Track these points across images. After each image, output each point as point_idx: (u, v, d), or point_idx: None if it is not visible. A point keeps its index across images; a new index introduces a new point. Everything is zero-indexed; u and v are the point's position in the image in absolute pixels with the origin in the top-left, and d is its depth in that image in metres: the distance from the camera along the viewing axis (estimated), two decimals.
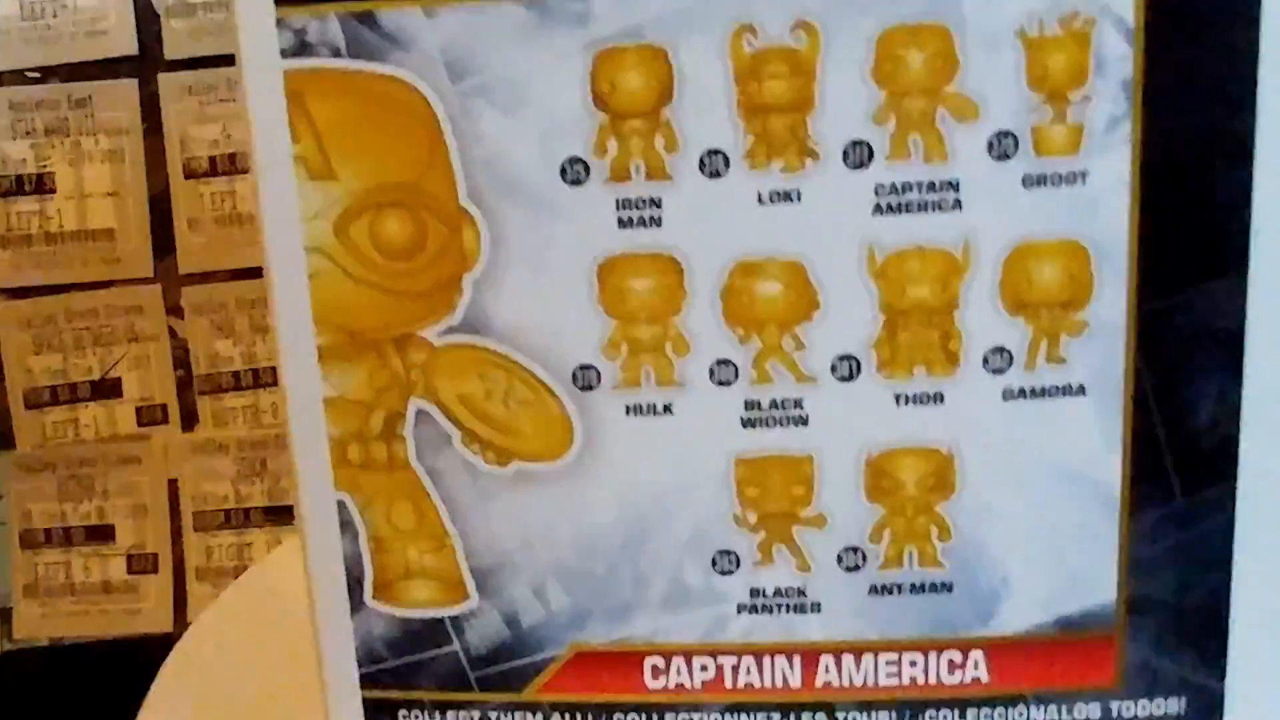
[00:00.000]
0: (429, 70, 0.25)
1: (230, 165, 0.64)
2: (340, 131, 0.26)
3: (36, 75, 0.63)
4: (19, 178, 0.64)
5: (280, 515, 0.67)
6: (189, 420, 0.66)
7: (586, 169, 0.25)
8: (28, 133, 0.63)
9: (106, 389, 0.66)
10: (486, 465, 0.27)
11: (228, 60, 0.65)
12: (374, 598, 0.29)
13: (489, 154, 0.25)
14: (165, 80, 0.63)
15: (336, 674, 0.29)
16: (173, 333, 0.66)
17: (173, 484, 0.66)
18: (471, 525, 0.28)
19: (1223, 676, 0.27)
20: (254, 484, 0.67)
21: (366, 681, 0.29)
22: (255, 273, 0.67)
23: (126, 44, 0.62)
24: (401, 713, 0.29)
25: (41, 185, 0.64)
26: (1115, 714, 0.27)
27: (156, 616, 0.67)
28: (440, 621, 0.28)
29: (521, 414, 0.27)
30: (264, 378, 0.66)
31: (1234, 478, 0.26)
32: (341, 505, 0.28)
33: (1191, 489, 0.26)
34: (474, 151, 0.25)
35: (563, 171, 0.25)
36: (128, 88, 0.63)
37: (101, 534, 0.66)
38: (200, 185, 0.64)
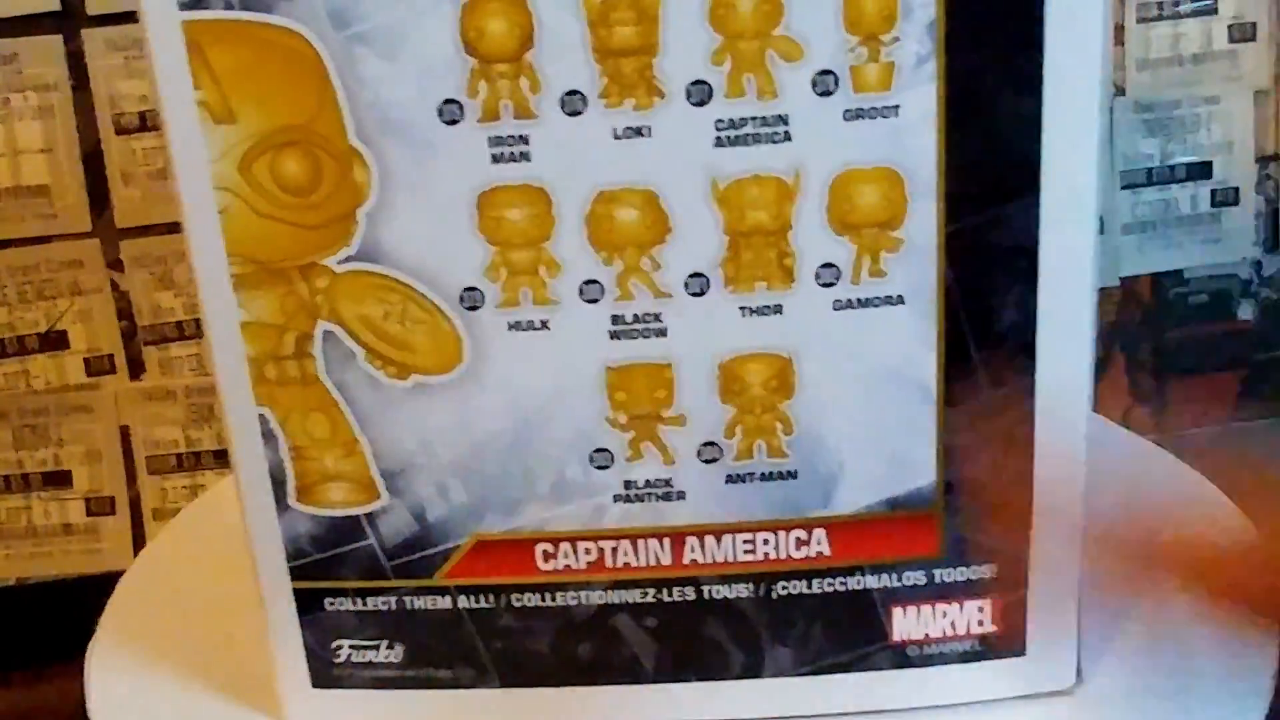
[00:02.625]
0: (314, 19, 0.28)
1: (160, 119, 0.66)
2: (238, 78, 0.28)
3: None
4: None
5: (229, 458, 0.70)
6: (136, 369, 0.68)
7: (461, 109, 0.28)
8: None
9: (54, 341, 0.68)
10: (388, 379, 0.31)
11: None
12: (297, 500, 0.32)
13: (373, 97, 0.28)
14: (89, 35, 0.64)
15: (269, 570, 0.32)
16: (114, 285, 0.68)
17: (124, 430, 0.69)
18: (378, 432, 0.31)
19: (1028, 545, 0.31)
20: (203, 429, 0.69)
21: (295, 574, 0.32)
22: None
23: None
24: (327, 600, 0.33)
25: None
26: (938, 579, 0.32)
27: (117, 555, 0.70)
28: (356, 519, 0.32)
29: (416, 332, 0.30)
30: None
31: (1033, 373, 0.30)
32: (262, 419, 0.31)
33: (997, 384, 0.30)
34: (359, 94, 0.28)
35: (439, 112, 0.28)
36: (53, 44, 0.64)
37: (59, 479, 0.69)
38: (132, 140, 0.66)
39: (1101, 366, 0.75)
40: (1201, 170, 0.71)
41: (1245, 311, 0.73)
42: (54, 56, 0.64)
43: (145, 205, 0.66)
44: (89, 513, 0.69)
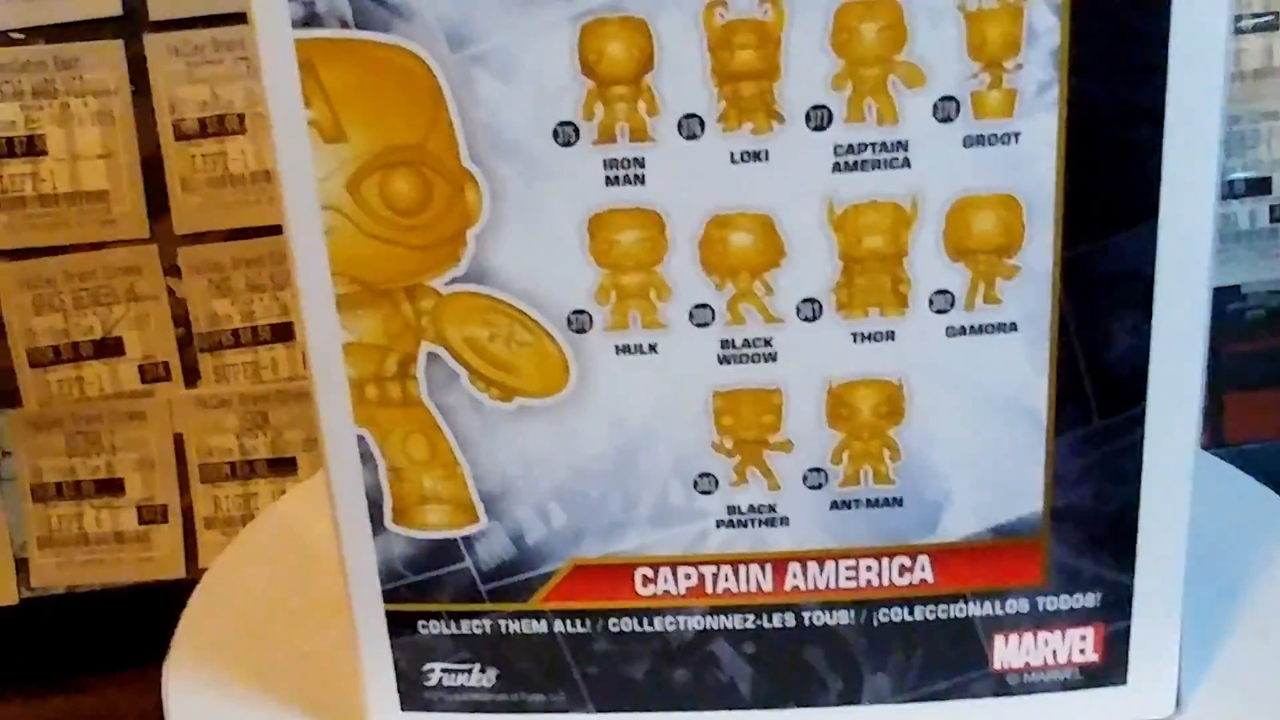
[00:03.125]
0: (430, 40, 0.28)
1: (220, 127, 0.66)
2: (350, 97, 0.28)
3: (20, 36, 0.63)
4: (9, 140, 0.65)
5: (282, 467, 0.70)
6: (191, 377, 0.68)
7: (576, 131, 0.28)
8: (15, 95, 0.64)
9: (109, 348, 0.68)
10: (491, 401, 0.31)
11: (213, 21, 0.65)
12: (393, 522, 0.32)
13: (487, 118, 0.28)
14: (151, 41, 0.64)
15: (362, 591, 0.32)
16: (171, 292, 0.68)
17: (178, 438, 0.69)
18: (479, 455, 0.31)
19: (1132, 573, 0.31)
20: (257, 437, 0.69)
21: (389, 597, 0.32)
22: (250, 233, 0.68)
23: (110, 4, 0.63)
24: (420, 623, 0.32)
25: (32, 147, 0.65)
26: (1041, 608, 0.31)
27: (169, 563, 0.69)
28: (453, 541, 0.32)
29: (522, 354, 0.30)
30: (262, 335, 0.68)
31: (1144, 402, 0.30)
32: (361, 440, 0.31)
33: (1108, 412, 0.30)
34: (473, 115, 0.28)
35: (554, 134, 0.28)
36: (114, 48, 0.64)
37: (111, 487, 0.69)
38: (191, 147, 0.66)
39: None
40: (1261, 186, 0.71)
41: None
42: (115, 61, 0.64)
43: (203, 212, 0.66)
44: (141, 520, 0.69)
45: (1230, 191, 0.71)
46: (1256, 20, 0.68)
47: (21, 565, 0.69)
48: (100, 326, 0.67)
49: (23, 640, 0.70)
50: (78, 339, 0.67)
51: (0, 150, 0.65)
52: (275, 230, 0.71)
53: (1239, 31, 0.69)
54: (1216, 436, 0.75)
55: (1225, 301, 0.72)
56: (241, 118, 0.65)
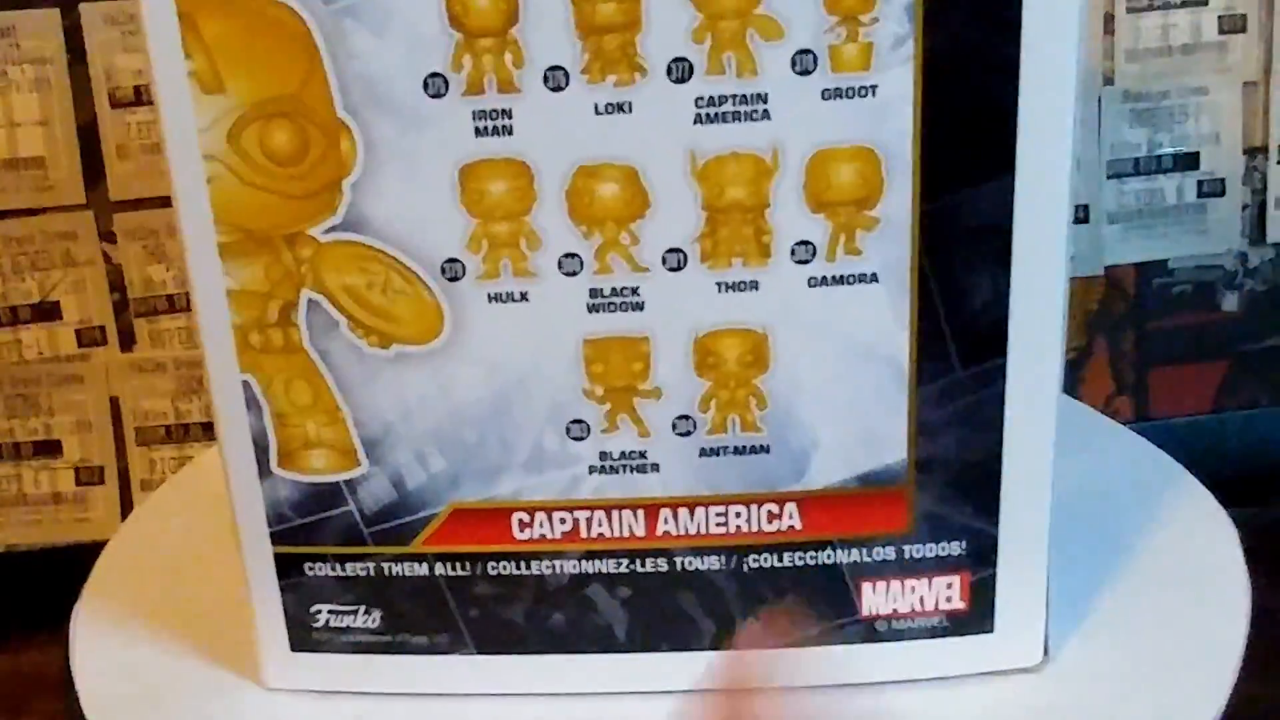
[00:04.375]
0: None
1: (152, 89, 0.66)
2: (228, 49, 0.29)
3: None
4: None
5: None
6: (127, 341, 0.69)
7: (446, 83, 0.29)
8: None
9: (46, 312, 0.68)
10: (370, 348, 0.31)
11: None
12: (279, 466, 0.33)
13: (361, 70, 0.29)
14: (87, 10, 0.64)
15: (250, 534, 0.33)
16: (107, 258, 0.68)
17: (114, 401, 0.69)
18: (359, 400, 0.32)
19: (996, 522, 0.32)
20: (192, 401, 0.70)
21: (276, 539, 0.33)
22: None
23: None
24: (307, 565, 0.33)
25: None
26: (907, 555, 0.32)
27: (105, 524, 0.70)
28: (336, 485, 0.32)
29: (398, 302, 0.31)
30: None
31: (1004, 353, 0.31)
32: (246, 385, 0.32)
33: (969, 363, 0.31)
34: (347, 67, 0.29)
35: (425, 85, 0.29)
36: (51, 17, 0.64)
37: (49, 449, 0.69)
38: (127, 114, 0.66)
39: (1085, 354, 0.75)
40: (1189, 161, 0.71)
41: (1229, 303, 0.74)
42: (51, 30, 0.64)
43: (139, 179, 0.67)
44: (78, 482, 0.69)
45: (1158, 166, 0.72)
46: None
47: None
48: (38, 290, 0.67)
49: None
50: (15, 303, 0.67)
51: None
52: None
53: (1168, 7, 0.70)
54: (1141, 411, 0.76)
55: (1152, 276, 0.74)
56: None
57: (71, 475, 0.69)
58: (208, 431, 0.71)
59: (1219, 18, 0.69)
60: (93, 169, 0.66)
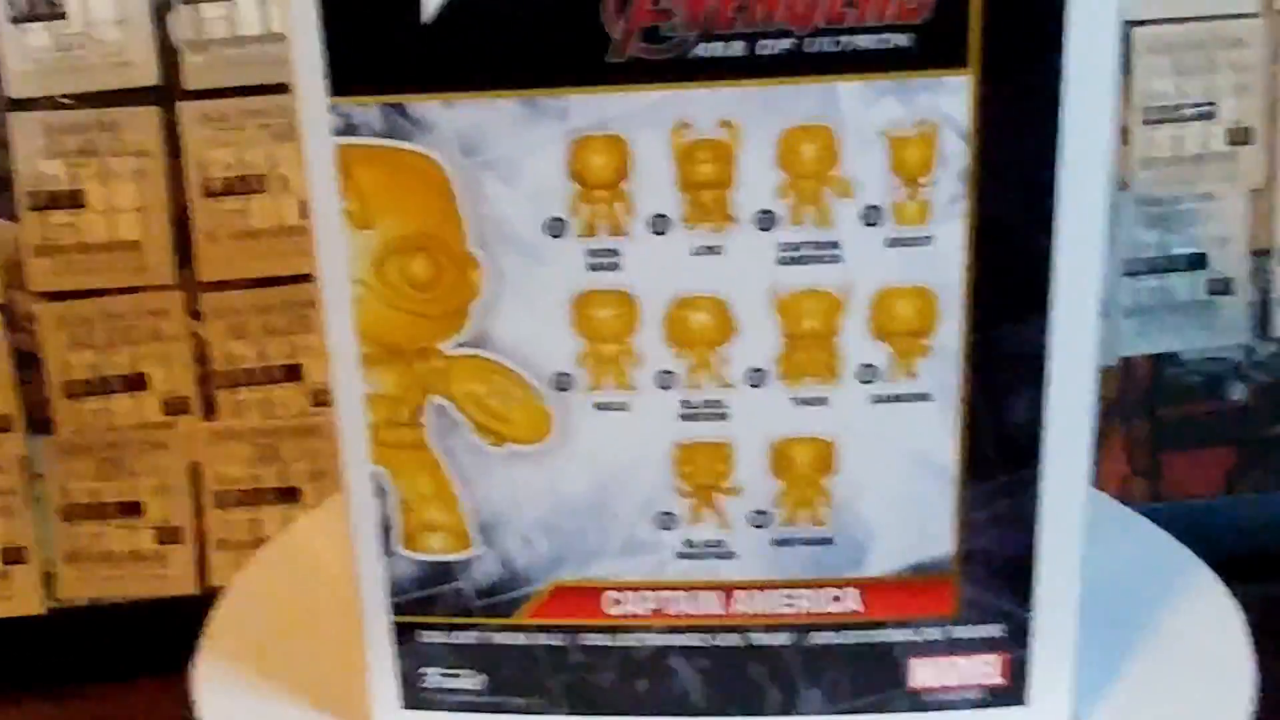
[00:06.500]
0: (447, 148, 0.33)
1: (243, 185, 0.72)
2: (378, 192, 0.34)
3: (69, 102, 0.70)
4: (54, 194, 0.71)
5: (289, 495, 0.75)
6: (209, 411, 0.73)
7: (564, 226, 0.34)
8: (61, 153, 0.70)
9: (135, 382, 0.73)
10: (487, 446, 0.36)
11: (240, 91, 0.72)
12: (401, 546, 0.37)
13: (490, 212, 0.34)
14: (184, 108, 0.70)
15: (372, 604, 0.37)
16: (193, 334, 0.73)
17: (195, 466, 0.74)
18: (475, 491, 0.36)
19: (1029, 608, 0.36)
20: (267, 467, 0.75)
21: (395, 610, 0.37)
22: (267, 282, 0.74)
23: (149, 75, 0.69)
24: (420, 633, 0.37)
25: (75, 200, 0.71)
26: (953, 636, 0.36)
27: (182, 581, 0.74)
28: (451, 564, 0.37)
29: (513, 408, 0.35)
30: (275, 375, 0.74)
31: (1039, 462, 0.35)
32: (376, 476, 0.36)
33: (1008, 470, 0.35)
34: (479, 210, 0.34)
35: (545, 227, 0.34)
36: (151, 114, 0.70)
37: (132, 509, 0.74)
38: (216, 203, 0.72)
39: (1101, 439, 0.79)
40: (1198, 261, 0.76)
41: (1237, 392, 0.78)
42: (151, 125, 0.70)
43: (226, 262, 0.72)
44: (158, 541, 0.74)
45: (1170, 265, 0.77)
46: (1196, 109, 0.74)
47: (49, 579, 0.75)
48: (129, 363, 0.72)
49: (48, 647, 0.75)
50: (108, 374, 0.73)
51: (46, 203, 0.71)
52: (290, 280, 0.78)
53: (1181, 120, 0.75)
54: (1155, 491, 0.79)
55: (1164, 367, 0.78)
56: (262, 178, 0.71)
57: (152, 535, 0.74)
58: (282, 496, 0.75)
59: (1227, 130, 0.75)
60: (183, 253, 0.72)
